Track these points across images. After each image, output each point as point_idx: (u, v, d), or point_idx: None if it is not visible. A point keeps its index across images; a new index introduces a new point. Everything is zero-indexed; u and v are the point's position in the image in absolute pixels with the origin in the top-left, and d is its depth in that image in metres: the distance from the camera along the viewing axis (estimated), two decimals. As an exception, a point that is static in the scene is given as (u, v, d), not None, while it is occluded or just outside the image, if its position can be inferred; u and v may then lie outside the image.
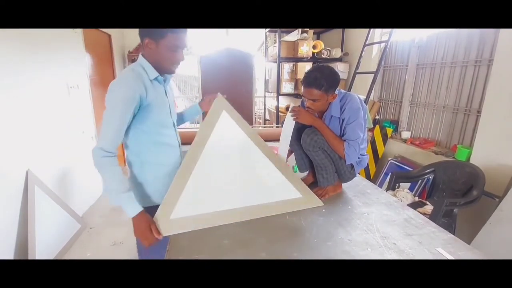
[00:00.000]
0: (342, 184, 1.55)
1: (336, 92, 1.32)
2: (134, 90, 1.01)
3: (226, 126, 1.25)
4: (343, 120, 1.33)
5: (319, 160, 1.39)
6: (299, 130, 1.42)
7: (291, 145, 1.49)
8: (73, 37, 2.75)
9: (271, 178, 1.30)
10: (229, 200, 1.21)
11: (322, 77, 1.24)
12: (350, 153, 1.32)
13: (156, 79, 1.11)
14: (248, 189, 1.26)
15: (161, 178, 1.18)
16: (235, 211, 1.19)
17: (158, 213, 1.09)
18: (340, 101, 1.34)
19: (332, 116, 1.36)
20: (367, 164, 1.54)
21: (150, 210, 1.11)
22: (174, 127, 1.24)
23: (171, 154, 1.22)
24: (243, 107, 4.88)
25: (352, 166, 1.42)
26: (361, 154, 1.42)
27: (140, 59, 1.10)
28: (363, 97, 1.39)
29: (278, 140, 2.39)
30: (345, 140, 1.33)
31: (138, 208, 1.04)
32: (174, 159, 1.23)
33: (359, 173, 1.65)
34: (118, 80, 1.05)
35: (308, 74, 1.29)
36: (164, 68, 1.11)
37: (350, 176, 1.47)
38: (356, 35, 3.70)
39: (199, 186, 1.17)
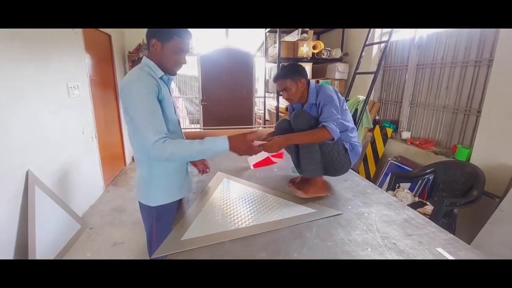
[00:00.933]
0: (341, 175, 1.57)
1: (311, 84, 1.48)
2: (153, 83, 1.06)
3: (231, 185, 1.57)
4: (318, 105, 1.42)
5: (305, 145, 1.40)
6: (288, 131, 1.47)
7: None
8: (73, 37, 2.75)
9: (281, 203, 1.37)
10: (240, 220, 1.21)
11: (285, 69, 1.48)
12: (331, 128, 1.31)
13: (161, 78, 1.15)
14: (259, 211, 1.29)
15: (170, 174, 1.23)
16: (246, 228, 1.15)
17: (171, 235, 1.10)
18: (316, 90, 1.47)
19: (312, 104, 1.46)
20: (359, 158, 1.58)
21: (162, 208, 1.21)
22: (179, 124, 1.29)
23: None
24: (243, 107, 4.91)
25: (345, 150, 1.44)
26: (352, 141, 1.48)
27: (145, 60, 1.14)
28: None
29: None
30: (321, 123, 1.35)
31: (224, 139, 1.09)
32: None
33: (358, 173, 1.65)
34: (134, 79, 1.05)
35: (276, 73, 1.51)
36: (166, 69, 1.15)
37: (344, 162, 1.45)
38: (356, 35, 3.70)
39: (211, 213, 1.27)
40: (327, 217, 1.22)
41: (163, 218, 1.24)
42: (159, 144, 1.00)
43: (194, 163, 1.55)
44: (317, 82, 3.85)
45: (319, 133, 1.32)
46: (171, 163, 1.20)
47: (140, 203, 1.26)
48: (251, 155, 1.19)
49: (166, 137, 1.03)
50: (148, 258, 1.41)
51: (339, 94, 1.48)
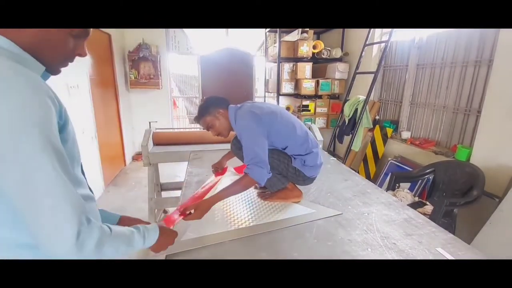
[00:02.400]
0: (341, 176, 1.55)
1: (230, 109, 1.35)
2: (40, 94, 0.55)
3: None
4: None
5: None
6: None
7: None
8: (73, 37, 2.75)
9: (280, 204, 1.36)
10: (240, 221, 1.21)
11: (200, 108, 1.38)
12: (253, 175, 1.16)
13: (43, 75, 0.64)
14: (259, 212, 1.29)
15: None
16: (245, 229, 1.15)
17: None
18: (234, 116, 1.33)
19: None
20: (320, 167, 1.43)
21: None
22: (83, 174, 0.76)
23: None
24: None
25: (295, 169, 1.33)
26: (300, 154, 1.33)
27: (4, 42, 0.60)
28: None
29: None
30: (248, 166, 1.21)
31: (155, 229, 0.78)
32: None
33: (358, 173, 1.65)
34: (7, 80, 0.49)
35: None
36: (53, 64, 0.65)
37: (297, 179, 1.37)
38: (356, 35, 3.70)
39: (210, 213, 1.17)
40: (326, 217, 1.22)
41: None
42: (87, 232, 0.54)
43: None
44: (317, 82, 3.85)
45: (243, 182, 1.18)
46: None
47: None
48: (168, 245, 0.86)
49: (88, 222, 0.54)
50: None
51: (262, 109, 1.30)
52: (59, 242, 0.51)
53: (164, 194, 2.82)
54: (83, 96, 2.88)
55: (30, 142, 0.47)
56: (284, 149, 1.34)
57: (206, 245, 1.01)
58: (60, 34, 0.64)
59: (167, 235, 0.83)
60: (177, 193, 2.34)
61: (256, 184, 1.37)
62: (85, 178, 0.71)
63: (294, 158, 1.33)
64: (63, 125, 0.57)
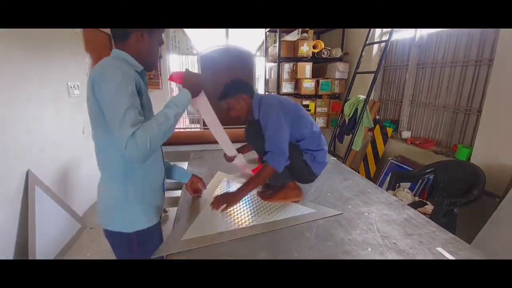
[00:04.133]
0: (342, 176, 1.55)
1: (254, 97, 1.38)
2: (132, 73, 0.91)
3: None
4: (260, 122, 1.32)
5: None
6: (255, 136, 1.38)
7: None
8: (73, 37, 2.75)
9: (281, 203, 1.36)
10: (240, 220, 1.21)
11: (223, 89, 1.39)
12: (273, 162, 1.23)
13: (140, 73, 1.00)
14: (259, 211, 1.29)
15: (147, 193, 1.03)
16: (246, 228, 1.15)
17: (171, 235, 1.08)
18: (258, 104, 1.35)
19: (255, 119, 1.37)
20: (322, 158, 1.42)
21: (134, 235, 1.01)
22: None
23: (156, 164, 1.07)
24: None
25: (305, 162, 1.34)
26: (312, 150, 1.35)
27: (117, 52, 0.98)
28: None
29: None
30: (266, 153, 1.26)
31: (181, 92, 1.00)
32: (159, 170, 1.10)
33: (358, 173, 1.65)
34: (111, 66, 0.89)
35: None
36: (148, 63, 1.03)
37: (304, 174, 1.38)
38: (356, 34, 3.70)
39: (211, 213, 1.23)
40: (327, 217, 1.22)
41: (143, 247, 1.04)
42: (130, 140, 0.79)
43: (188, 187, 1.37)
44: (317, 81, 3.84)
45: (264, 173, 1.25)
46: (149, 180, 1.03)
47: (108, 233, 1.04)
48: (201, 88, 1.09)
49: (138, 127, 0.82)
50: None
51: (288, 101, 1.37)
52: (120, 141, 0.82)
53: (164, 194, 2.82)
54: (84, 96, 2.88)
55: (118, 92, 0.85)
56: (299, 141, 1.36)
57: (206, 245, 1.01)
58: (155, 47, 1.03)
59: (191, 78, 1.05)
60: (177, 193, 2.34)
61: (259, 191, 1.44)
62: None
63: (305, 152, 1.35)
64: (142, 96, 0.96)
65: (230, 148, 1.49)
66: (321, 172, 1.43)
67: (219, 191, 1.50)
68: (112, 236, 1.06)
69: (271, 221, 1.19)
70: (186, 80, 1.03)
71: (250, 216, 1.23)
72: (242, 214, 1.26)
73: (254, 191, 1.47)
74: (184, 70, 1.07)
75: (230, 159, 1.56)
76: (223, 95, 1.39)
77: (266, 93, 1.40)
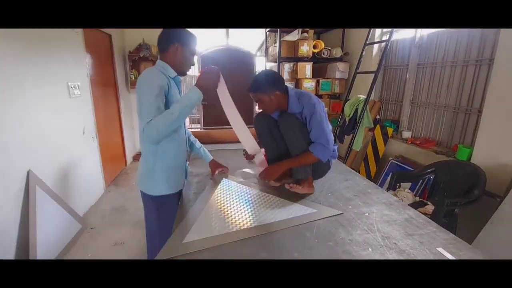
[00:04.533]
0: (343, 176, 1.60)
1: (290, 91, 1.43)
2: (164, 79, 1.20)
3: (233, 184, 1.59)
4: (305, 118, 1.41)
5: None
6: (269, 127, 1.52)
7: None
8: (73, 37, 2.75)
9: (281, 203, 1.37)
10: (241, 222, 1.20)
11: (256, 81, 1.40)
12: (320, 153, 1.37)
13: (174, 78, 1.29)
14: (260, 212, 1.28)
15: (170, 168, 1.35)
16: (246, 230, 1.14)
17: (172, 238, 1.08)
18: (298, 99, 1.42)
19: (295, 113, 1.43)
20: (336, 156, 1.60)
21: (162, 199, 1.33)
22: (184, 124, 1.43)
23: (180, 147, 1.38)
24: (243, 107, 4.90)
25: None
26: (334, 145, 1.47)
27: (159, 61, 1.28)
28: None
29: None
30: (312, 143, 1.39)
31: (193, 87, 1.17)
32: (182, 152, 1.41)
33: (359, 173, 1.65)
34: (148, 72, 1.20)
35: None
36: (181, 70, 1.31)
37: (325, 169, 1.55)
38: (357, 34, 3.70)
39: (211, 215, 1.25)
40: (327, 217, 1.22)
41: (164, 209, 1.35)
42: (148, 126, 1.09)
43: (211, 167, 1.70)
44: (318, 81, 3.84)
45: (307, 160, 1.40)
46: (173, 159, 1.34)
47: (142, 193, 1.38)
48: (216, 85, 1.26)
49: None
50: (146, 256, 1.49)
51: (317, 98, 1.47)
52: (140, 131, 1.14)
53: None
54: (84, 96, 2.89)
55: (145, 93, 1.13)
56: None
57: (207, 247, 1.01)
58: (188, 57, 1.29)
59: (206, 75, 1.20)
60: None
61: (273, 180, 1.48)
62: (185, 129, 1.46)
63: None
64: (169, 97, 1.22)
65: (252, 145, 1.51)
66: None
67: (220, 192, 1.49)
68: (143, 196, 1.39)
69: (272, 222, 1.19)
70: (199, 79, 1.18)
71: (250, 217, 1.22)
72: (242, 215, 1.25)
73: (257, 190, 1.49)
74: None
75: (250, 157, 1.60)
76: (255, 89, 1.39)
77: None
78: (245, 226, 1.16)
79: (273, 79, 1.40)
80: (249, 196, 1.44)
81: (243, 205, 1.35)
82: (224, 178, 1.66)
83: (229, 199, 1.40)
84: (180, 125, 1.31)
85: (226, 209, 1.30)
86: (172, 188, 1.36)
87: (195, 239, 1.07)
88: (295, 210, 1.29)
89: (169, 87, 1.21)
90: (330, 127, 1.43)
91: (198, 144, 1.67)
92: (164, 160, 1.31)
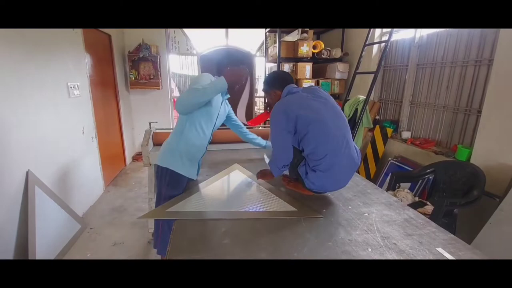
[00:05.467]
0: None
1: (283, 92, 1.43)
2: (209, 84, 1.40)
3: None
4: None
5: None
6: None
7: None
8: (73, 37, 2.75)
9: (267, 196, 1.45)
10: (223, 207, 1.36)
11: (265, 79, 1.59)
12: (270, 166, 1.43)
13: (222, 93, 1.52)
14: (247, 202, 1.39)
15: (188, 153, 1.52)
16: (226, 212, 1.29)
17: (160, 206, 1.37)
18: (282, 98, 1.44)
19: None
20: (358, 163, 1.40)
21: (173, 174, 1.49)
22: (212, 129, 1.60)
23: (199, 141, 1.54)
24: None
25: (297, 173, 1.36)
26: (308, 165, 1.30)
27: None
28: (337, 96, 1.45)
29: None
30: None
31: (222, 78, 1.36)
32: (199, 147, 1.57)
33: (358, 173, 1.65)
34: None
35: None
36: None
37: (301, 182, 1.36)
38: (356, 35, 3.70)
39: (204, 194, 1.48)
40: (306, 217, 1.21)
41: (173, 184, 1.50)
42: (178, 97, 1.35)
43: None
44: (317, 82, 3.84)
45: (269, 174, 1.50)
46: (194, 145, 1.51)
47: (157, 166, 1.55)
48: (240, 83, 1.43)
49: None
50: (146, 255, 1.59)
51: (291, 112, 1.26)
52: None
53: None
54: (83, 96, 2.88)
55: (197, 85, 1.39)
56: (301, 151, 1.33)
57: (186, 218, 1.22)
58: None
59: (235, 72, 1.39)
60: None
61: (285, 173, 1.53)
62: (211, 133, 1.62)
63: (304, 163, 1.33)
64: (209, 103, 1.49)
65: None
66: (321, 191, 1.39)
67: (226, 178, 1.69)
68: (160, 170, 1.53)
69: (251, 211, 1.29)
70: (227, 72, 1.37)
71: (235, 203, 1.37)
72: (229, 200, 1.43)
73: (257, 184, 1.61)
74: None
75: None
76: (263, 86, 1.58)
77: (303, 92, 1.43)
78: (225, 210, 1.31)
79: (271, 79, 1.54)
80: (246, 187, 1.58)
81: (236, 192, 1.54)
82: (236, 170, 1.80)
83: (228, 186, 1.62)
84: (211, 122, 1.55)
85: (220, 192, 1.52)
86: (184, 170, 1.52)
87: (178, 210, 1.30)
88: (277, 205, 1.34)
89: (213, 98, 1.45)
90: (282, 145, 1.31)
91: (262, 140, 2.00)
92: (184, 143, 1.49)
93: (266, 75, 1.67)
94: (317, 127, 1.25)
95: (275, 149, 1.36)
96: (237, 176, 1.73)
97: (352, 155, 1.30)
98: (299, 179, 1.38)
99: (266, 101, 1.60)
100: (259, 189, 1.53)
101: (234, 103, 1.79)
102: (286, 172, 1.53)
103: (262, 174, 1.56)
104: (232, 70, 1.37)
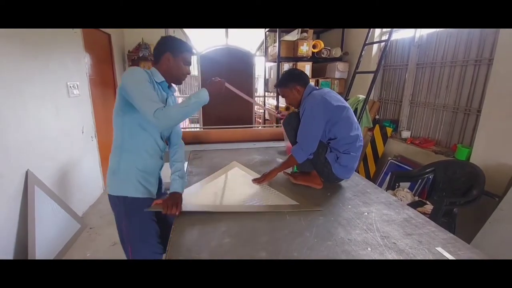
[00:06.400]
0: (337, 183, 1.59)
1: (307, 90, 1.51)
2: (149, 77, 1.21)
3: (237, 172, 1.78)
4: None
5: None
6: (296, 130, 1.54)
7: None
8: (73, 36, 2.74)
9: (268, 191, 1.50)
10: (230, 201, 1.39)
11: (280, 77, 1.61)
12: (295, 153, 1.47)
13: (160, 83, 1.28)
14: (248, 196, 1.43)
15: (138, 169, 1.28)
16: (234, 206, 1.32)
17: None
18: (304, 100, 1.49)
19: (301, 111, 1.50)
20: (358, 163, 1.55)
21: (130, 202, 1.27)
22: (161, 136, 1.36)
23: (149, 153, 1.31)
24: (243, 107, 4.91)
25: (326, 160, 1.45)
26: (338, 150, 1.45)
27: (152, 69, 1.29)
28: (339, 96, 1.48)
29: (277, 139, 2.44)
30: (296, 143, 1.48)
31: (204, 90, 1.23)
32: (151, 158, 1.32)
33: (358, 173, 1.66)
34: (135, 68, 1.20)
35: None
36: (174, 79, 1.33)
37: (324, 170, 1.48)
38: (356, 34, 3.70)
39: (205, 187, 1.51)
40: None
41: (133, 215, 1.27)
42: (159, 111, 1.08)
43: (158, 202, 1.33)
44: (317, 81, 3.84)
45: (289, 161, 1.52)
46: (140, 158, 1.28)
47: (109, 196, 1.32)
48: (220, 92, 1.32)
49: (161, 108, 1.10)
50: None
51: (336, 99, 1.45)
52: (147, 114, 1.09)
53: (164, 193, 2.82)
54: (83, 95, 2.88)
55: (144, 80, 1.15)
56: (332, 139, 1.47)
57: (186, 210, 1.23)
58: (184, 66, 1.31)
59: (214, 83, 1.29)
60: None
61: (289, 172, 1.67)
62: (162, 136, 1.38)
63: (331, 151, 1.46)
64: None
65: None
66: (346, 177, 1.52)
67: (224, 175, 1.69)
68: (110, 202, 1.35)
69: (254, 205, 1.32)
70: (208, 85, 1.28)
71: (235, 197, 1.41)
72: (229, 194, 1.45)
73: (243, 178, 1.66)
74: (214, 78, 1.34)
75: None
76: (279, 84, 1.59)
77: (325, 89, 1.54)
78: (225, 203, 1.35)
79: (293, 75, 1.57)
80: (246, 183, 1.59)
81: (237, 188, 1.53)
82: (236, 167, 1.82)
83: (227, 181, 1.63)
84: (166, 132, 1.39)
85: (220, 189, 1.51)
86: (138, 192, 1.28)
87: (193, 204, 1.30)
88: (279, 200, 1.37)
89: (154, 88, 1.21)
90: (316, 134, 1.43)
91: (176, 170, 1.38)
92: (130, 157, 1.27)
93: (283, 73, 1.69)
94: (348, 114, 1.45)
95: (308, 137, 1.43)
96: (237, 173, 1.75)
97: (361, 134, 1.51)
98: (319, 170, 1.51)
99: (286, 101, 1.60)
100: (260, 184, 1.56)
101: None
102: (289, 171, 1.66)
103: (262, 177, 1.56)
104: (211, 81, 1.30)
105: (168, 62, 1.27)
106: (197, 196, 1.41)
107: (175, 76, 1.31)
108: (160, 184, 1.42)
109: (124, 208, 1.28)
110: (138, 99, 1.11)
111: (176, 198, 1.23)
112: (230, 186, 1.57)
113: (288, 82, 1.54)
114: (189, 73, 1.35)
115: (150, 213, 1.29)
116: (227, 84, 1.40)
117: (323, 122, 1.42)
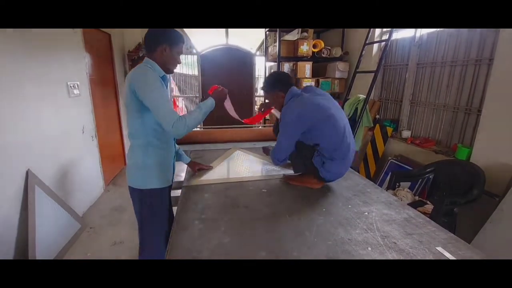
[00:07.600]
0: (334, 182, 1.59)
1: (288, 95, 1.49)
2: (157, 77, 1.25)
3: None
4: None
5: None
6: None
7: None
8: (73, 36, 2.74)
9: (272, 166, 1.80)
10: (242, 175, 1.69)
11: (264, 81, 1.62)
12: (271, 156, 1.58)
13: (162, 77, 1.31)
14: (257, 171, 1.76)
15: (160, 165, 1.40)
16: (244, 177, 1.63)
17: (186, 180, 1.58)
18: (288, 101, 1.48)
19: None
20: (350, 166, 1.56)
21: (152, 193, 1.40)
22: None
23: (168, 146, 1.45)
24: (243, 107, 4.91)
25: (312, 163, 1.44)
26: (324, 156, 1.42)
27: (147, 60, 1.31)
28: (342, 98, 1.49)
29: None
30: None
31: (210, 99, 1.37)
32: (170, 150, 1.48)
33: (358, 172, 1.66)
34: (146, 72, 1.23)
35: None
36: (168, 69, 1.36)
37: (314, 173, 1.47)
38: (356, 34, 3.70)
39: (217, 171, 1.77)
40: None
41: (157, 203, 1.42)
42: (177, 122, 1.18)
43: (190, 165, 1.77)
44: (317, 81, 3.84)
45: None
46: (164, 151, 1.41)
47: (131, 188, 1.41)
48: (224, 100, 1.48)
49: (179, 118, 1.21)
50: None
51: (305, 116, 1.37)
52: (166, 124, 1.20)
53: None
54: (83, 95, 2.88)
55: (159, 85, 1.22)
56: (315, 145, 1.45)
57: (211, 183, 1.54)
58: (177, 56, 1.36)
59: (218, 92, 1.43)
60: (177, 192, 2.34)
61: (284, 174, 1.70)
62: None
63: (317, 154, 1.44)
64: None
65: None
66: (333, 179, 1.50)
67: (228, 158, 1.97)
68: (135, 192, 1.41)
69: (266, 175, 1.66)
70: (214, 93, 1.43)
71: (242, 171, 1.76)
72: (236, 169, 1.78)
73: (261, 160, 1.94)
74: (216, 86, 1.48)
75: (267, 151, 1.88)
76: (263, 89, 1.60)
77: (310, 91, 1.51)
78: (234, 176, 1.65)
79: (274, 80, 1.55)
80: (251, 161, 1.89)
81: (246, 164, 1.83)
82: (238, 151, 2.06)
83: (237, 162, 1.91)
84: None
85: (231, 166, 1.82)
86: (163, 182, 1.43)
87: (207, 178, 1.64)
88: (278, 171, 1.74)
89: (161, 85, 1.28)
90: (286, 147, 1.47)
91: (176, 147, 1.67)
92: (154, 156, 1.38)
93: (267, 76, 1.69)
94: (330, 123, 1.39)
95: (282, 146, 1.47)
96: (241, 155, 2.03)
97: (352, 140, 1.49)
98: (309, 172, 1.50)
99: (265, 101, 1.62)
100: (264, 162, 1.85)
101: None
102: (291, 171, 1.71)
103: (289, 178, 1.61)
104: (216, 90, 1.44)
105: (164, 53, 1.31)
106: (216, 173, 1.70)
107: (169, 66, 1.35)
108: (174, 169, 1.57)
109: (149, 199, 1.40)
110: (155, 108, 1.20)
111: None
112: (240, 163, 1.87)
113: (269, 87, 1.55)
114: (180, 63, 1.41)
115: (167, 201, 1.51)
116: (225, 103, 1.54)
117: (296, 136, 1.43)
